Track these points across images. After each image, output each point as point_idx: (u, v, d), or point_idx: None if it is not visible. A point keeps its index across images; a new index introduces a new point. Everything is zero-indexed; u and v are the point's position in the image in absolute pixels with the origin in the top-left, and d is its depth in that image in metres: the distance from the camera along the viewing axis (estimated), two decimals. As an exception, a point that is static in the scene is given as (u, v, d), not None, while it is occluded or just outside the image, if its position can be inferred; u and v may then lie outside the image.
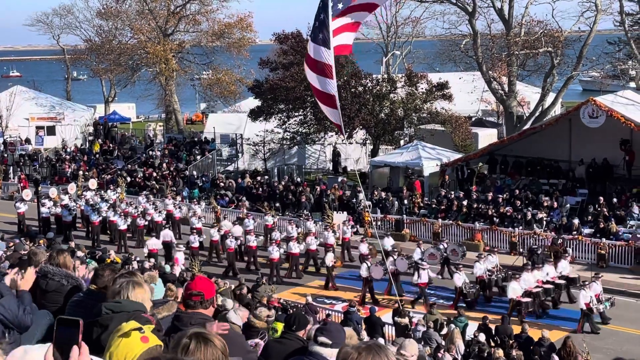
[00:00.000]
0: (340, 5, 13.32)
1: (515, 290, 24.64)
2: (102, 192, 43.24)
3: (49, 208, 38.86)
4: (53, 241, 30.99)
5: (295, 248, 31.01)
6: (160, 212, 37.46)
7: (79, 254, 23.04)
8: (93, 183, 45.15)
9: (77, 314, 5.41)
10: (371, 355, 3.33)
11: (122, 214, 36.25)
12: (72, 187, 43.31)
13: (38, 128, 61.85)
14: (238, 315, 10.39)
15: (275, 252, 30.44)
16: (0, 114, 59.42)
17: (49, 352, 2.92)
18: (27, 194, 41.60)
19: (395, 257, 28.44)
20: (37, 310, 5.42)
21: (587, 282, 25.09)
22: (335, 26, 13.24)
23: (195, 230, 33.59)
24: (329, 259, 29.34)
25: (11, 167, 52.82)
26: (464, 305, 25.38)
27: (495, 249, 30.38)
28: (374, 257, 29.67)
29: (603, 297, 25.08)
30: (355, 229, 34.50)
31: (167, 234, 33.27)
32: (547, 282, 26.15)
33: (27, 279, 5.48)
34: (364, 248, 30.42)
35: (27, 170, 51.89)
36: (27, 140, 60.27)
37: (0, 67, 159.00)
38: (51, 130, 61.92)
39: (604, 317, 24.70)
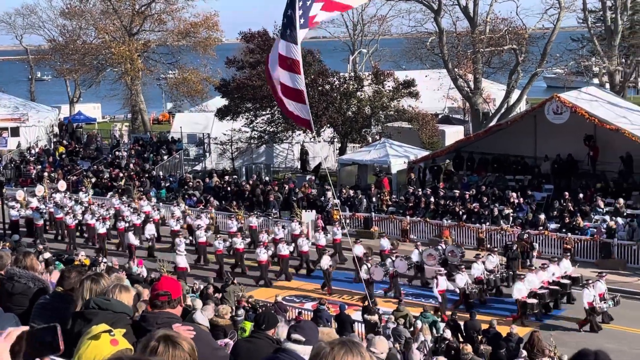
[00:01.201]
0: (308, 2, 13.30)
1: (520, 290, 24.55)
2: (75, 194, 42.70)
3: (18, 211, 38.50)
4: (18, 244, 30.70)
5: (285, 250, 30.61)
6: (139, 214, 36.89)
7: (46, 255, 22.88)
8: (62, 185, 44.61)
9: (43, 316, 5.38)
10: (343, 351, 3.33)
11: (101, 218, 35.77)
12: (39, 190, 42.85)
13: (2, 129, 61.13)
14: (204, 316, 10.39)
15: (263, 254, 29.94)
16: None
17: (15, 332, 2.89)
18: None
19: (394, 258, 28.37)
20: (2, 313, 5.36)
21: (591, 281, 25.03)
22: (314, 12, 13.24)
23: (180, 233, 33.61)
24: (325, 262, 28.87)
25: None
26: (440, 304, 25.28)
27: (496, 250, 30.03)
28: (370, 258, 29.11)
29: (607, 296, 25.02)
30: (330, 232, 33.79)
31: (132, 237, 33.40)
32: (553, 282, 26.09)
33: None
34: (358, 250, 29.59)
35: (-9, 173, 51.37)
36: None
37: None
38: (15, 132, 61.35)
39: (608, 316, 24.65)
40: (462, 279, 25.77)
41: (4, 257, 7.41)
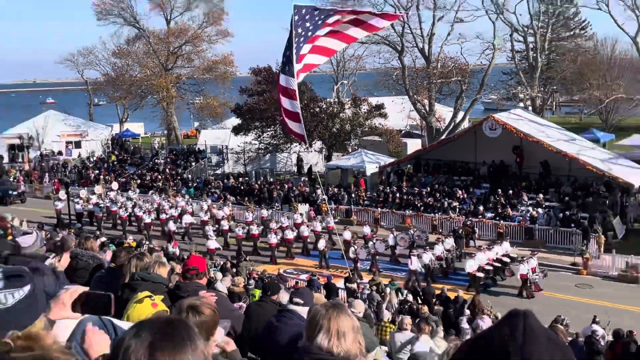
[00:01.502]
0: (309, 31, 13.27)
1: (471, 266, 24.59)
2: (125, 192, 42.34)
3: (82, 205, 38.21)
4: (81, 230, 30.61)
5: (290, 235, 30.51)
6: (176, 207, 36.55)
7: (102, 239, 22.79)
8: (115, 185, 44.60)
9: (100, 286, 5.36)
10: (336, 312, 3.32)
11: (147, 211, 35.51)
12: (98, 189, 42.77)
13: (67, 143, 61.26)
14: (223, 285, 10.37)
15: (273, 239, 29.82)
16: (37, 132, 58.76)
17: (78, 290, 2.87)
18: (63, 194, 40.97)
19: (375, 241, 28.29)
20: (69, 284, 5.35)
21: (525, 258, 25.18)
22: (301, 53, 13.28)
23: (209, 222, 33.04)
24: (322, 244, 28.66)
25: (47, 173, 52.08)
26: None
27: (451, 234, 29.98)
28: (356, 242, 29.00)
29: (538, 270, 25.12)
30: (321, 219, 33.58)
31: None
32: (496, 259, 26.04)
33: (62, 263, 5.40)
34: (347, 235, 29.76)
35: (59, 176, 51.18)
36: (59, 152, 59.60)
37: (39, 96, 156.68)
38: (78, 144, 61.42)
39: (537, 286, 24.63)
40: (427, 257, 25.78)
41: (70, 241, 7.39)
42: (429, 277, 25.18)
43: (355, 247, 27.58)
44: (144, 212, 35.32)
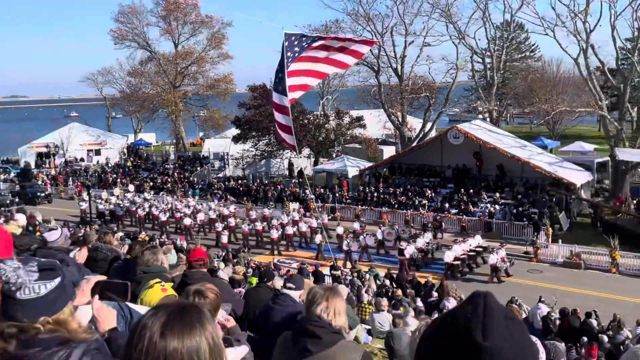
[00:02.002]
0: (296, 53, 13.26)
1: (448, 256, 24.52)
2: (141, 194, 41.85)
3: (104, 205, 37.83)
4: (101, 226, 30.38)
5: (290, 230, 30.09)
6: (188, 206, 36.11)
7: (119, 234, 22.58)
8: (132, 187, 44.27)
9: (118, 275, 5.31)
10: (332, 293, 3.36)
11: (163, 210, 35.13)
12: (117, 191, 42.41)
13: (88, 151, 60.86)
14: (225, 273, 10.32)
15: (275, 233, 29.39)
16: (62, 142, 58.39)
17: (95, 279, 2.86)
18: (86, 196, 40.63)
19: (365, 235, 28.04)
20: (90, 274, 5.31)
21: (495, 249, 25.11)
22: (293, 68, 13.30)
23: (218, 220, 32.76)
24: (319, 238, 28.24)
25: (70, 178, 51.67)
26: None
27: (429, 229, 29.99)
28: (348, 236, 28.59)
29: (506, 259, 25.06)
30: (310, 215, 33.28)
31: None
32: (471, 250, 25.98)
33: (82, 256, 5.37)
34: (340, 230, 29.52)
35: (82, 179, 50.79)
36: (81, 159, 59.18)
37: (63, 110, 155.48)
38: (98, 152, 61.04)
39: (507, 272, 24.63)
40: (411, 248, 25.62)
41: (91, 235, 7.34)
42: (413, 265, 25.19)
43: (348, 240, 27.31)
44: (160, 211, 34.90)
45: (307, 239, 30.55)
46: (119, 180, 48.28)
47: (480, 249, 26.55)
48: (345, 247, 26.83)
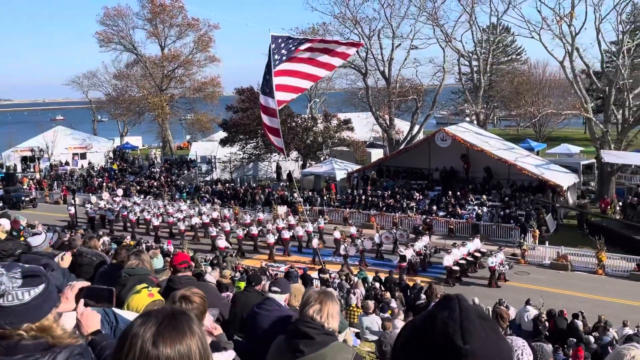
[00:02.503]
0: (283, 56, 13.24)
1: (448, 260, 24.17)
2: (133, 198, 41.06)
3: (93, 210, 37.13)
4: (87, 231, 30.09)
5: (286, 234, 29.42)
6: (180, 211, 35.49)
7: (105, 239, 22.44)
8: (120, 191, 43.67)
9: (103, 280, 5.28)
10: (326, 297, 3.37)
11: (155, 214, 34.54)
12: (105, 195, 41.90)
13: (74, 154, 60.31)
14: (212, 276, 10.29)
15: (272, 238, 28.77)
16: (47, 145, 57.87)
17: (78, 285, 2.84)
18: (77, 199, 39.92)
19: (363, 239, 27.73)
20: (75, 278, 5.27)
21: (493, 252, 24.89)
22: (280, 68, 13.28)
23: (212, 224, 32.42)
24: (315, 242, 27.95)
25: (55, 182, 51.19)
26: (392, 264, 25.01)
27: (427, 233, 29.64)
28: (345, 240, 28.23)
29: (505, 263, 24.94)
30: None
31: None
32: (469, 254, 25.62)
33: (66, 261, 5.32)
34: (337, 234, 28.91)
35: (67, 183, 50.33)
36: (67, 163, 58.68)
37: (48, 114, 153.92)
38: (83, 156, 60.54)
39: (504, 277, 24.48)
40: (409, 252, 25.37)
41: (77, 240, 7.28)
42: (411, 270, 24.99)
43: (346, 244, 26.94)
44: (152, 216, 34.34)
45: (301, 243, 30.01)
46: (104, 184, 47.90)
47: (480, 254, 26.33)
48: (342, 252, 26.50)
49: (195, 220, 33.42)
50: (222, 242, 28.88)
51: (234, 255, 27.08)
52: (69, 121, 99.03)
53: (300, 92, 14.85)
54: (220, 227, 31.51)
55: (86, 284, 2.92)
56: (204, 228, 32.95)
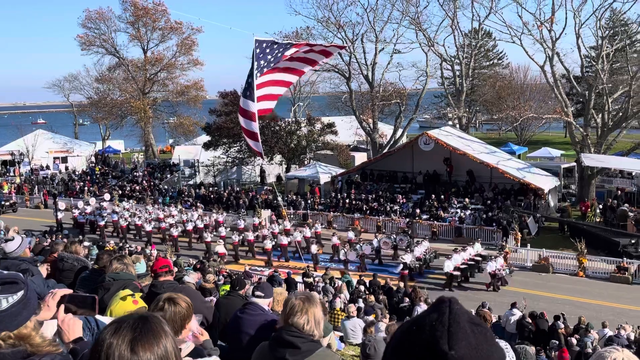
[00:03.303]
0: (270, 63, 13.21)
1: (448, 266, 23.90)
2: (123, 203, 40.04)
3: (83, 215, 36.29)
4: (68, 236, 29.65)
5: (284, 240, 28.85)
6: (172, 216, 34.78)
7: (86, 243, 22.16)
8: (107, 196, 42.64)
9: (85, 285, 5.21)
10: (309, 302, 3.33)
11: (147, 220, 33.81)
12: (92, 200, 41.13)
13: (55, 158, 59.57)
14: (191, 278, 10.26)
15: (269, 244, 28.27)
16: (28, 149, 57.08)
17: (60, 292, 2.79)
18: (63, 205, 39.07)
19: (362, 244, 27.32)
20: (56, 284, 5.19)
21: (493, 257, 24.74)
22: (261, 81, 13.22)
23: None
24: (314, 248, 27.59)
25: (36, 186, 50.48)
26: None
27: (426, 238, 29.38)
28: (343, 245, 27.92)
29: (505, 267, 24.70)
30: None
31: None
32: (470, 259, 25.33)
33: (42, 271, 5.24)
34: (335, 239, 28.64)
35: (47, 188, 49.65)
36: (47, 167, 57.86)
37: (29, 117, 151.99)
38: (64, 160, 59.81)
39: (504, 281, 24.26)
40: (409, 257, 25.14)
41: (59, 245, 7.20)
42: (411, 273, 24.82)
43: (345, 250, 26.62)
44: (145, 221, 33.57)
45: (301, 249, 29.30)
46: (86, 188, 47.34)
47: (480, 258, 26.08)
48: (342, 257, 26.20)
49: (189, 226, 32.73)
50: (221, 248, 28.22)
51: (214, 259, 26.90)
52: (50, 125, 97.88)
53: (278, 97, 14.86)
54: (215, 233, 30.88)
55: (68, 291, 2.87)
56: (197, 233, 32.39)
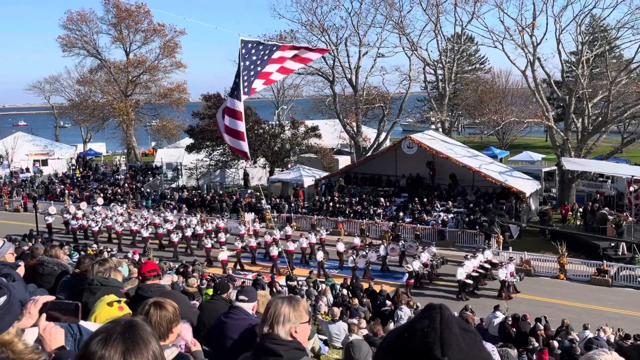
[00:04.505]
0: (257, 65, 13.15)
1: (461, 273, 23.27)
2: (116, 208, 38.62)
3: (74, 219, 35.18)
4: (48, 240, 29.27)
5: (291, 246, 28.00)
6: (169, 221, 33.67)
7: (66, 248, 21.85)
8: (100, 200, 41.58)
9: (66, 290, 5.13)
10: (291, 304, 3.30)
11: (145, 225, 32.85)
12: (83, 205, 40.36)
13: (35, 161, 58.81)
14: (165, 281, 10.21)
15: (275, 250, 27.26)
16: (7, 151, 56.27)
17: (42, 299, 2.74)
18: (53, 209, 38.09)
19: (368, 251, 26.54)
20: (37, 289, 5.10)
21: (504, 264, 24.35)
22: (253, 86, 13.17)
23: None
24: (320, 255, 26.93)
25: (15, 189, 49.72)
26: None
27: (433, 243, 28.81)
28: (348, 252, 27.27)
29: (515, 274, 24.24)
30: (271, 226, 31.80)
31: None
32: (481, 266, 24.84)
33: (19, 271, 5.14)
34: (340, 246, 27.88)
35: (27, 191, 48.94)
36: (27, 170, 57.09)
37: (9, 119, 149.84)
38: (45, 163, 59.09)
39: (514, 288, 23.90)
40: (417, 264, 24.59)
41: (39, 249, 7.09)
42: (417, 283, 24.46)
43: (353, 257, 25.89)
44: (140, 227, 32.53)
45: (306, 256, 28.77)
46: (66, 192, 46.76)
47: (489, 265, 25.66)
48: (351, 264, 25.45)
49: (188, 232, 31.68)
50: (223, 255, 27.26)
51: (199, 263, 26.73)
52: (30, 127, 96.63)
53: (270, 82, 14.76)
54: (216, 239, 29.98)
55: (50, 298, 2.82)
56: (197, 239, 31.50)
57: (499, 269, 24.19)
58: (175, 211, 38.20)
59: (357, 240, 29.51)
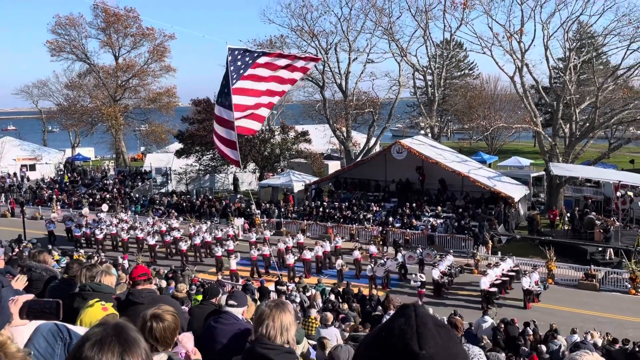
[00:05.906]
0: (241, 69, 13.14)
1: (485, 283, 23.04)
2: (120, 214, 38.09)
3: (76, 226, 34.43)
4: (36, 245, 28.96)
5: (308, 254, 27.71)
6: (176, 229, 32.92)
7: (53, 253, 21.69)
8: (105, 207, 40.95)
9: (55, 295, 5.12)
10: (279, 310, 3.32)
11: (151, 232, 32.28)
12: (85, 211, 39.84)
13: (23, 166, 58.33)
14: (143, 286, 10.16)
15: (291, 259, 27.19)
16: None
17: (22, 298, 2.74)
18: (55, 217, 37.70)
19: (385, 260, 26.28)
20: (25, 294, 5.09)
21: (527, 272, 24.21)
22: (239, 86, 13.14)
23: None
24: (339, 263, 26.43)
25: (2, 194, 49.31)
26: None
27: (451, 251, 28.70)
28: (365, 260, 27.02)
29: (540, 283, 24.02)
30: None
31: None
32: (503, 274, 24.68)
33: (19, 283, 5.13)
34: (356, 254, 27.50)
35: (15, 196, 48.54)
36: (15, 174, 56.62)
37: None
38: (32, 167, 58.60)
39: (537, 297, 23.55)
40: (436, 272, 24.42)
41: (25, 255, 7.06)
42: (437, 291, 24.30)
43: (372, 265, 25.52)
44: (148, 234, 31.91)
45: (322, 263, 28.38)
46: (54, 197, 46.44)
47: (513, 273, 25.51)
48: (369, 273, 25.10)
49: (197, 239, 31.03)
50: (233, 264, 26.68)
51: (189, 268, 26.63)
52: (18, 131, 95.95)
53: (263, 120, 14.80)
54: (225, 247, 29.26)
55: (30, 296, 2.83)
56: (205, 247, 30.99)
57: (522, 277, 23.92)
58: (181, 218, 37.39)
59: (373, 248, 29.03)
